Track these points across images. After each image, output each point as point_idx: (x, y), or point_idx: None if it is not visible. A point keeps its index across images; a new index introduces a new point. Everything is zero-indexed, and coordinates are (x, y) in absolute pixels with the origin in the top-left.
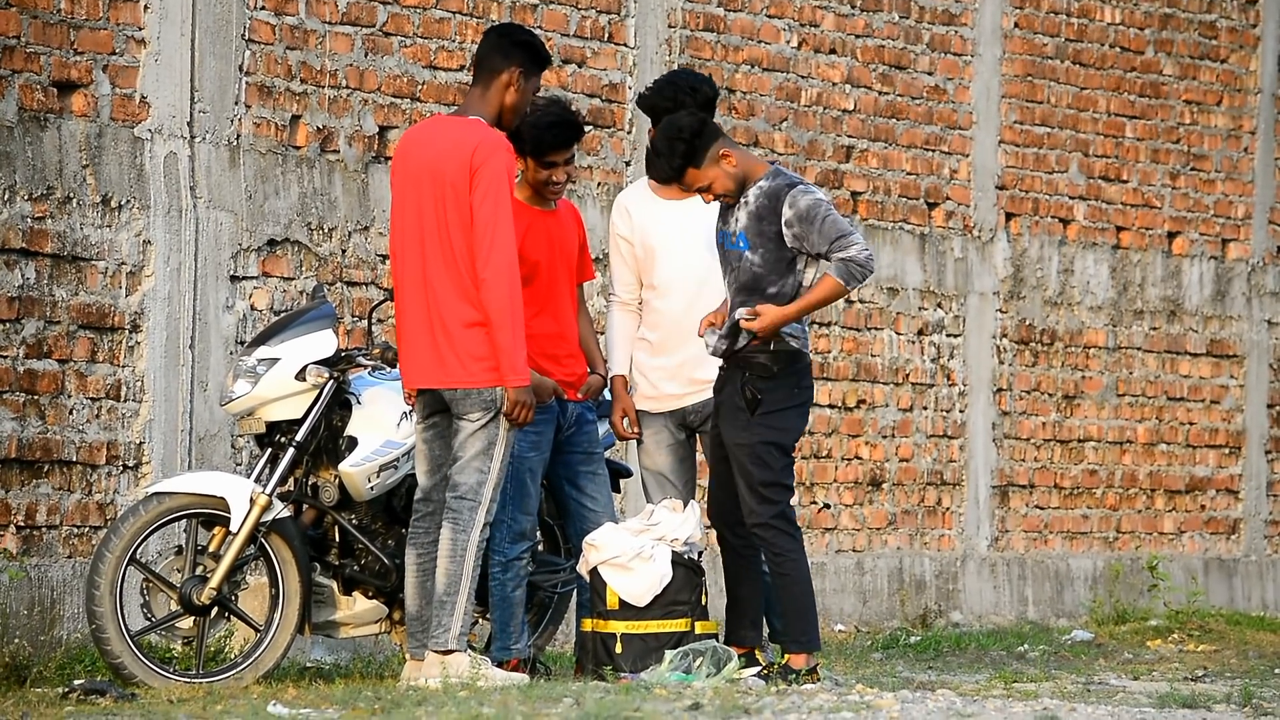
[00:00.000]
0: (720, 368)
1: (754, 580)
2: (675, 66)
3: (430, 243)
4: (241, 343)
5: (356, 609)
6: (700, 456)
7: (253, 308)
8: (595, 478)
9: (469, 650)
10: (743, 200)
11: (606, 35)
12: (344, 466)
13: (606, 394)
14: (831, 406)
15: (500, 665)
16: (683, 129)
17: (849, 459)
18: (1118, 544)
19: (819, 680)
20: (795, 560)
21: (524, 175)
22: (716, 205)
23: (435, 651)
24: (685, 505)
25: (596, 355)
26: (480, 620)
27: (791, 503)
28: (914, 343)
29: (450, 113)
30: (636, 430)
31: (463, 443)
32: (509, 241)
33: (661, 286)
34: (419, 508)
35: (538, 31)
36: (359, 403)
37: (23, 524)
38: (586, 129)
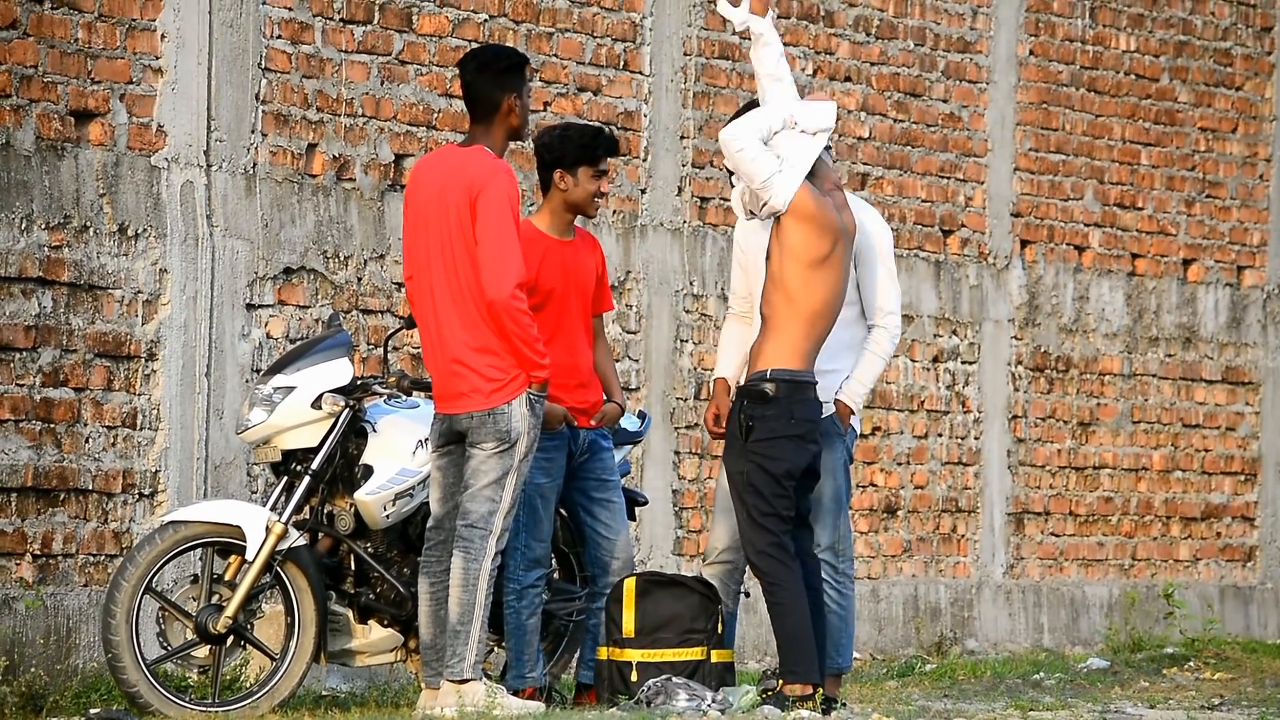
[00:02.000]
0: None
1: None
2: (692, 94)
3: (436, 272)
4: (257, 371)
5: (372, 637)
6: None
7: (269, 336)
8: (610, 505)
9: (484, 679)
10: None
11: (622, 63)
12: (360, 495)
13: (623, 422)
14: None
15: (516, 694)
16: None
17: (864, 486)
18: (1133, 571)
19: (816, 708)
20: (789, 590)
21: (567, 192)
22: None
23: (451, 681)
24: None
25: (614, 383)
26: (495, 649)
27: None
28: (929, 370)
29: (459, 143)
30: (720, 430)
31: (475, 470)
32: (516, 258)
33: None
34: (431, 536)
35: (553, 60)
36: (375, 431)
37: (39, 552)
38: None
